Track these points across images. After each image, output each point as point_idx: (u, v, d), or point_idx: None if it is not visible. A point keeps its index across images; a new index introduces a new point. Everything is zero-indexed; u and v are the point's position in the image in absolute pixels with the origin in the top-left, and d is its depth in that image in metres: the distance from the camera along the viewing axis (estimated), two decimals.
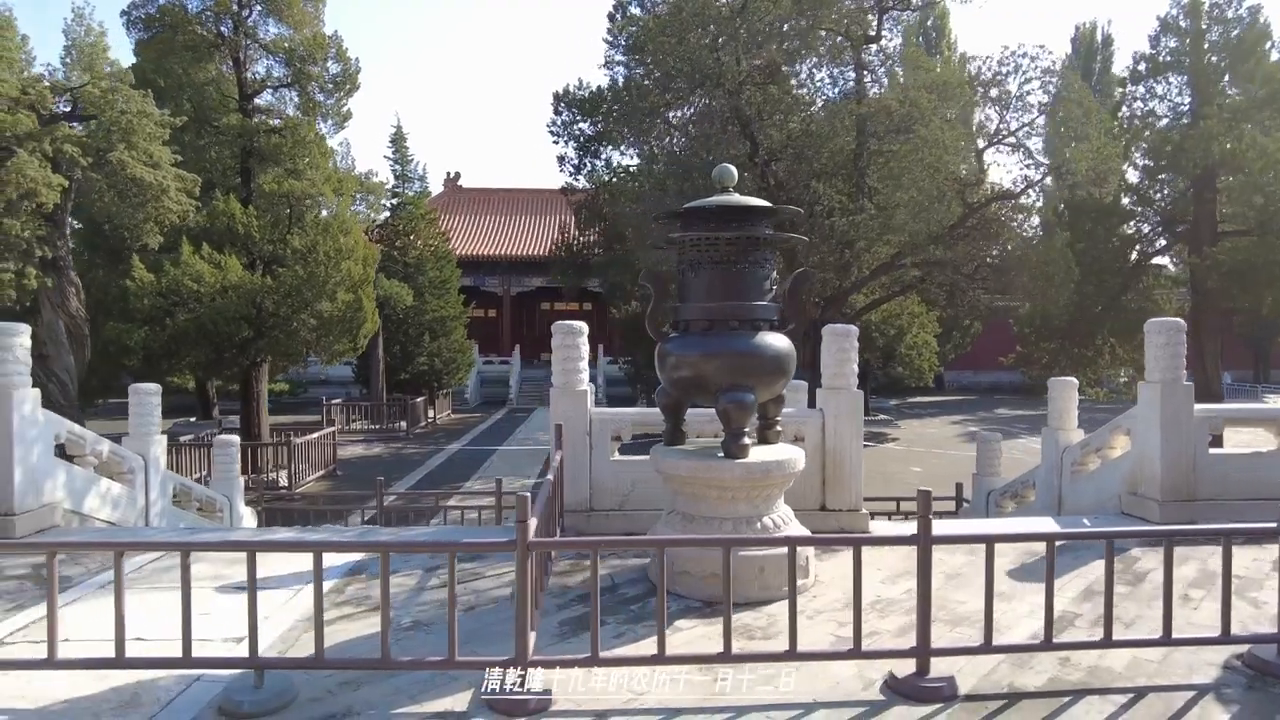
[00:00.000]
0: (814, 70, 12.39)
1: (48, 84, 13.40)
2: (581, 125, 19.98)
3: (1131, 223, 17.57)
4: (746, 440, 5.65)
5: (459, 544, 4.98)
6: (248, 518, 11.53)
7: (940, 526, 5.53)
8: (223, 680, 4.27)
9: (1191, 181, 16.18)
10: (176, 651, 4.51)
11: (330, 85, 18.24)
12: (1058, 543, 4.75)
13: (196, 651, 4.43)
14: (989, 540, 4.42)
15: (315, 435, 18.89)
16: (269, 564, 6.16)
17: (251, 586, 4.08)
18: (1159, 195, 17.08)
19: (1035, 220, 11.74)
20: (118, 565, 4.04)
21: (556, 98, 20.43)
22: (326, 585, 5.95)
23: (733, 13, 11.25)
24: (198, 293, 15.58)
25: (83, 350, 14.01)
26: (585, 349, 7.35)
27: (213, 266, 15.84)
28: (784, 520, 5.84)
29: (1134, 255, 17.77)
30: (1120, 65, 30.89)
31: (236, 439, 11.30)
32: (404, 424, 26.93)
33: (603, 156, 20.40)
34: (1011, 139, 11.77)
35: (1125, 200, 17.68)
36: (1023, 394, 38.29)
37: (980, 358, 34.87)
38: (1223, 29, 16.96)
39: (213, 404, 26.14)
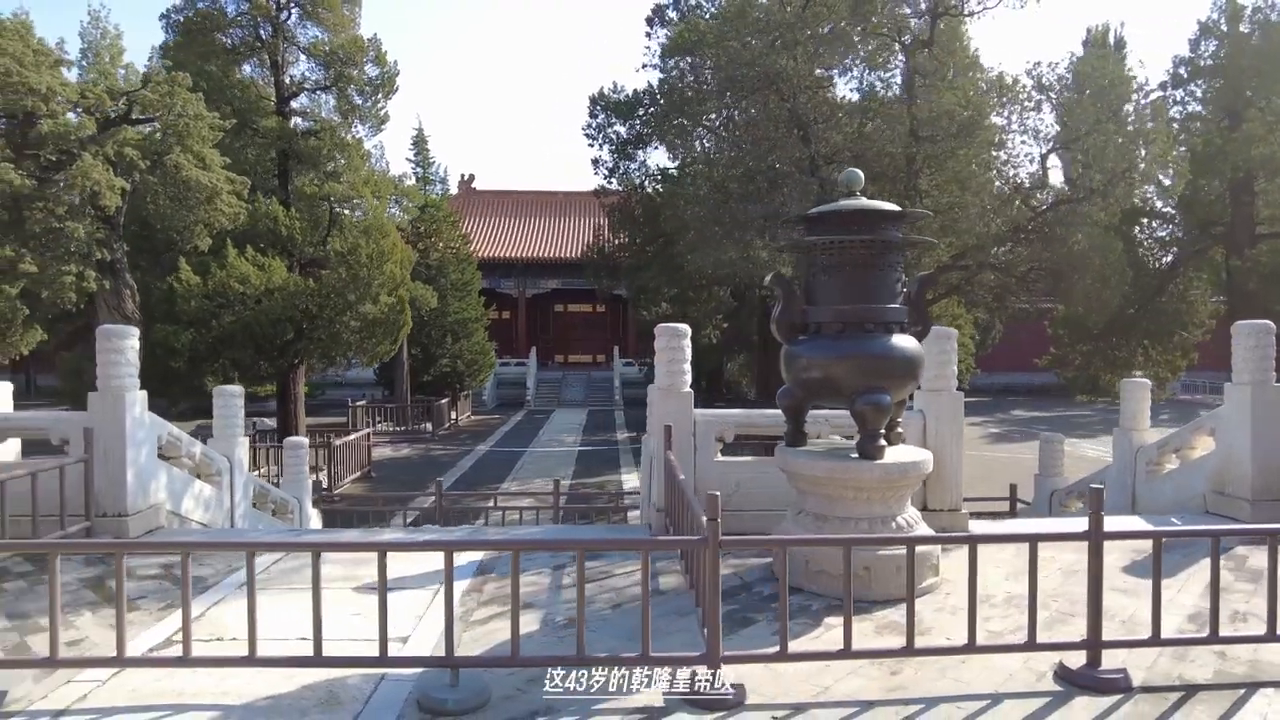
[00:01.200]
0: (866, 74, 12.55)
1: (104, 87, 13.41)
2: (619, 128, 20.07)
3: (1167, 225, 17.76)
4: (882, 441, 5.76)
5: (654, 541, 5.04)
6: (315, 519, 11.59)
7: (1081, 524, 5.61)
8: (407, 679, 4.35)
9: (1229, 184, 16.39)
10: (352, 650, 4.65)
11: (369, 88, 18.29)
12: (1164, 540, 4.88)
13: (361, 650, 4.54)
14: (1156, 536, 4.55)
15: (352, 437, 18.92)
16: (394, 565, 6.26)
17: (449, 583, 4.17)
18: (1196, 198, 17.27)
19: (1095, 224, 11.87)
20: (316, 565, 4.13)
21: (593, 100, 20.54)
22: (463, 584, 6.09)
23: (796, 17, 11.37)
24: (243, 295, 15.62)
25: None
26: (689, 351, 7.43)
27: (257, 269, 15.88)
28: (915, 519, 5.95)
29: (1168, 258, 17.95)
30: (1132, 66, 30.99)
31: (305, 440, 11.36)
32: (429, 425, 26.97)
33: (639, 159, 20.58)
34: (1075, 143, 11.91)
35: (1159, 203, 17.90)
36: (1036, 395, 38.52)
37: (994, 360, 35.06)
38: (1263, 33, 17.09)
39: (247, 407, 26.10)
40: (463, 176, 45.07)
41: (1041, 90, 11.68)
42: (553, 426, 29.79)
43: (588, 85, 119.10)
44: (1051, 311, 18.13)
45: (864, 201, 6.04)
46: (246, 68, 19.24)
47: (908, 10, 12.24)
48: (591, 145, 20.93)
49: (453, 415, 28.99)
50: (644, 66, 19.76)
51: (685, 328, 7.47)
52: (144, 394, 7.55)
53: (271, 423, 22.12)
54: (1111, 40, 36.05)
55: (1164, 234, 18.33)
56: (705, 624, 4.23)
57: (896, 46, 12.60)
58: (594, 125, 20.54)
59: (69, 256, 12.53)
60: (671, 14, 18.81)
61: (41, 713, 3.99)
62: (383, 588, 4.14)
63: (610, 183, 21.56)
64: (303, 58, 18.93)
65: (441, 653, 4.83)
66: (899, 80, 12.79)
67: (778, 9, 11.37)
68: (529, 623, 5.36)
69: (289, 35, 18.47)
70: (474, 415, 32.41)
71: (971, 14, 12.09)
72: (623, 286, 22.04)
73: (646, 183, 21.80)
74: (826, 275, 5.95)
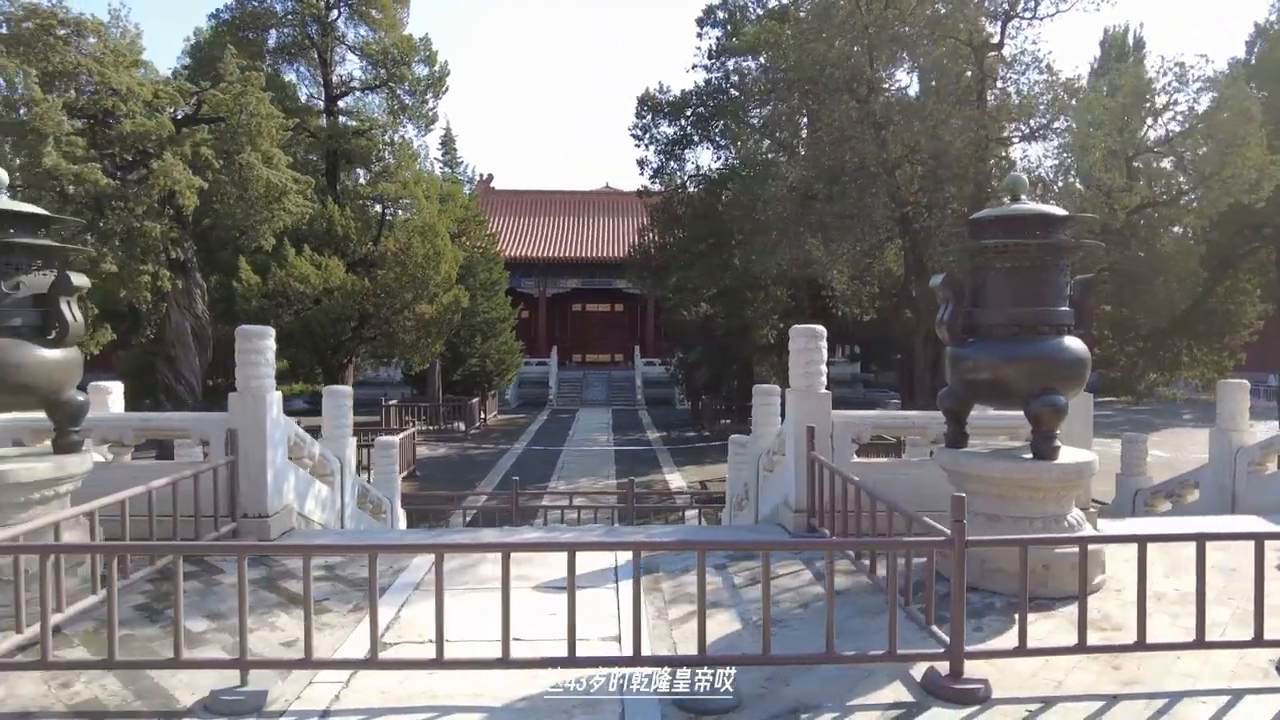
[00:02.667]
0: (937, 76, 12.61)
1: (175, 86, 13.40)
2: (667, 129, 20.13)
3: (1215, 230, 17.91)
4: (1058, 443, 5.84)
5: (898, 542, 5.06)
6: (402, 519, 11.63)
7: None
8: (645, 677, 4.40)
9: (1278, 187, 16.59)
10: (559, 651, 4.70)
11: (418, 87, 18.29)
12: None
13: (580, 650, 4.59)
14: None
15: (399, 436, 18.93)
16: (555, 564, 6.30)
17: (702, 581, 4.23)
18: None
19: (1179, 228, 11.99)
20: (571, 565, 4.18)
21: (640, 101, 20.56)
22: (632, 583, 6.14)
23: (878, 20, 11.47)
24: (303, 294, 15.60)
25: (205, 351, 14.03)
26: (825, 352, 7.50)
27: (315, 268, 15.87)
28: (1081, 518, 6.04)
29: (1217, 260, 18.12)
30: (1151, 67, 31.19)
31: (395, 440, 11.38)
32: (460, 425, 26.97)
33: (686, 160, 20.63)
34: (1163, 147, 12.04)
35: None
36: None
37: None
38: None
39: None
40: (481, 175, 45.02)
41: (1135, 95, 11.83)
42: (581, 426, 29.82)
43: (603, 85, 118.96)
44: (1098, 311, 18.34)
45: (1036, 205, 6.12)
46: (290, 72, 19.18)
47: (977, 11, 12.37)
48: (638, 146, 21.08)
49: (482, 415, 29.03)
50: (693, 67, 19.91)
51: (821, 329, 7.53)
52: (279, 394, 7.57)
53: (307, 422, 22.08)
54: (1130, 41, 36.31)
55: (1215, 236, 18.50)
56: (951, 621, 4.30)
57: (968, 50, 12.69)
58: (640, 126, 20.64)
59: (145, 256, 12.51)
60: (720, 14, 18.92)
61: (307, 713, 4.02)
62: (637, 588, 4.20)
63: (655, 183, 21.61)
64: (349, 57, 18.93)
65: (668, 651, 4.92)
66: (970, 82, 12.90)
67: (860, 12, 11.46)
68: (728, 622, 5.43)
69: (338, 35, 18.44)
70: (500, 415, 32.43)
71: (1045, 16, 12.25)
72: (662, 286, 22.13)
73: (689, 183, 21.87)
74: (998, 278, 6.02)
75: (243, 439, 7.08)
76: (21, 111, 11.49)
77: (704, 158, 20.59)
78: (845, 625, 5.22)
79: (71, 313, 5.98)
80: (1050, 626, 5.25)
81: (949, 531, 4.38)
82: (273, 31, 18.06)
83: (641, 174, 21.78)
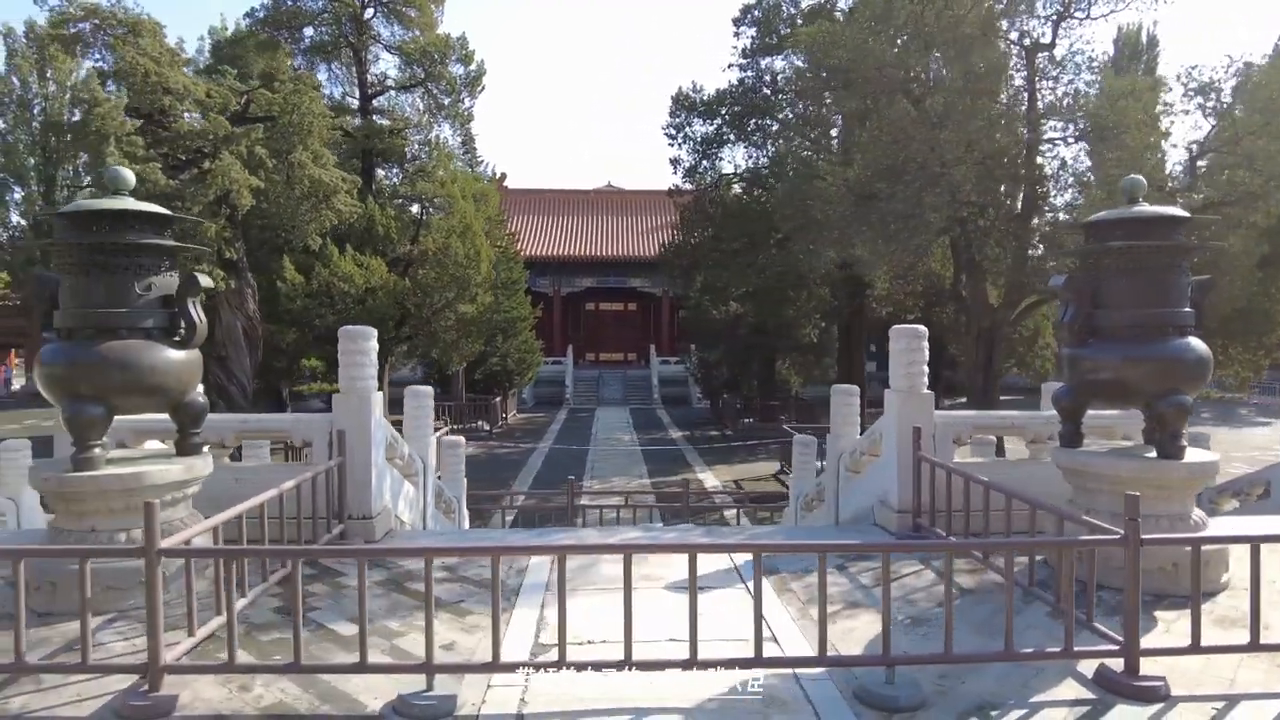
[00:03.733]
0: (989, 76, 12.66)
1: (226, 85, 13.35)
2: (703, 128, 20.13)
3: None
4: (1184, 441, 5.88)
5: (1075, 541, 5.07)
6: (466, 518, 11.63)
7: None
8: (819, 676, 4.42)
9: None
10: (731, 651, 4.71)
11: (455, 86, 18.24)
12: None
13: (714, 653, 4.59)
14: None
15: (435, 435, 18.89)
16: (674, 564, 6.31)
17: (887, 582, 4.25)
18: None
19: (1250, 227, 12.04)
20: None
21: (675, 100, 20.56)
22: (765, 583, 6.15)
23: (935, 17, 11.53)
24: (346, 294, 15.56)
25: (256, 351, 13.99)
26: (926, 352, 7.52)
27: (359, 268, 15.83)
28: (1203, 516, 6.08)
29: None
30: (1164, 67, 31.30)
31: (462, 440, 11.37)
32: (484, 424, 26.96)
33: (721, 158, 20.64)
34: (1232, 147, 12.06)
35: None
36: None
37: None
38: None
39: (285, 405, 26.04)
40: (493, 174, 44.97)
41: (1200, 93, 11.84)
42: (601, 425, 29.82)
43: (604, 85, 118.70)
44: None
45: (1159, 207, 6.16)
46: (322, 71, 19.10)
47: (1031, 13, 12.45)
48: (671, 144, 21.07)
49: (504, 414, 29.04)
50: (729, 66, 19.94)
51: (923, 329, 7.56)
52: (381, 394, 7.56)
53: None
54: (1144, 39, 36.53)
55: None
56: (1125, 619, 4.33)
57: (1017, 50, 12.75)
58: (674, 124, 20.64)
59: (200, 256, 12.45)
60: (757, 14, 18.93)
61: (503, 717, 4.02)
62: (823, 589, 4.22)
63: (687, 183, 21.62)
64: (383, 56, 18.88)
65: (810, 652, 4.94)
66: (1019, 82, 12.97)
67: (921, 13, 11.51)
68: (874, 621, 5.42)
69: (374, 34, 18.38)
70: (519, 413, 32.42)
71: (1099, 17, 12.29)
72: (691, 285, 22.15)
73: (721, 182, 21.90)
74: (1120, 280, 6.05)
75: (350, 440, 7.07)
76: (76, 112, 11.42)
77: (737, 156, 20.62)
78: (989, 623, 5.25)
79: (197, 313, 5.97)
80: (1188, 624, 5.29)
81: (1120, 530, 4.41)
82: (308, 30, 17.96)
83: (674, 173, 21.91)
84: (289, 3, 17.87)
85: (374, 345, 7.40)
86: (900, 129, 11.57)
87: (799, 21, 19.05)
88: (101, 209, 5.54)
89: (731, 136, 20.21)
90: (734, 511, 17.45)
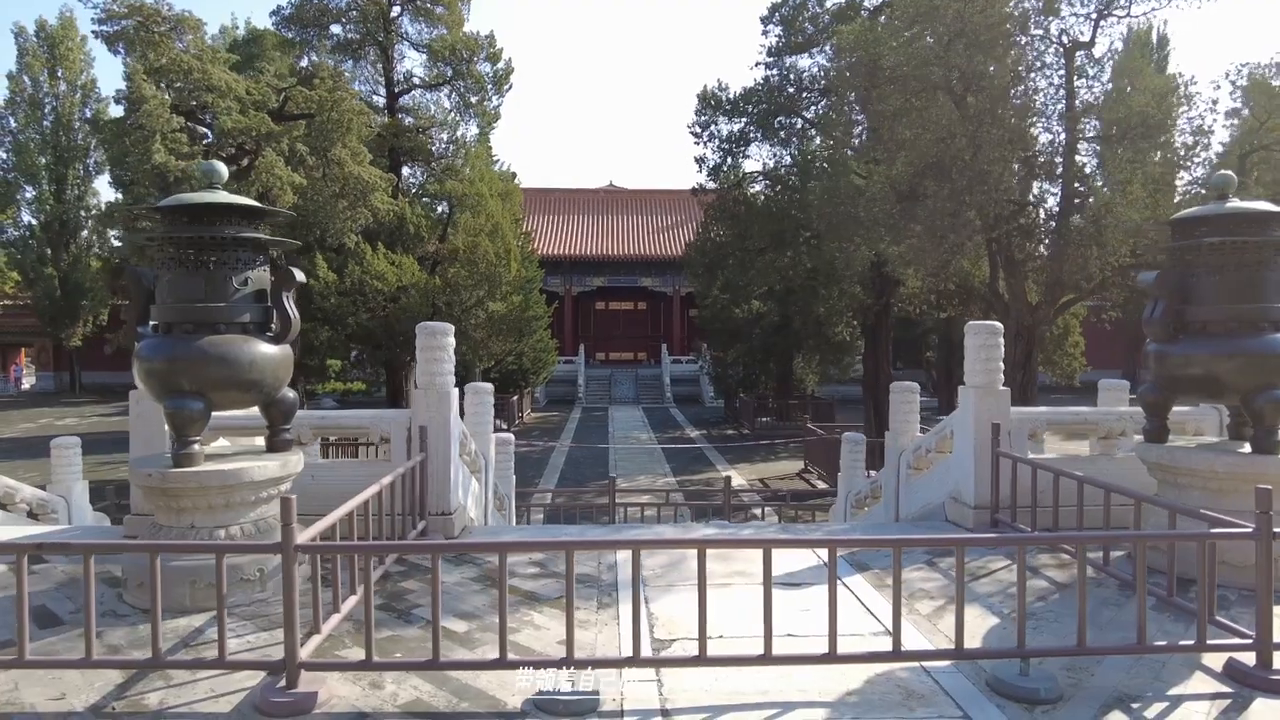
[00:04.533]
0: (1027, 76, 12.69)
1: (265, 82, 13.29)
2: (730, 126, 20.11)
3: None
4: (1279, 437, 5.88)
5: (1205, 534, 5.07)
6: (513, 515, 11.61)
7: None
8: (944, 670, 4.41)
9: None
10: (861, 646, 4.71)
11: (483, 84, 18.19)
12: None
13: (853, 647, 4.60)
14: None
15: None
16: (754, 559, 6.29)
17: (1022, 574, 4.24)
18: None
19: None
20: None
21: (701, 98, 20.54)
22: (854, 580, 6.15)
23: (978, 13, 11.57)
24: (379, 291, 15.51)
25: (295, 350, 13.91)
26: (1002, 349, 7.52)
27: (391, 266, 15.78)
28: None
29: None
30: (1175, 66, 31.39)
31: (511, 437, 11.35)
32: (502, 422, 26.91)
33: (748, 157, 20.65)
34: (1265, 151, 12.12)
35: None
36: (1073, 394, 39.16)
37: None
38: None
39: (303, 404, 26.01)
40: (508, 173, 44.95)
41: (1252, 91, 11.94)
42: (618, 424, 29.81)
43: (605, 84, 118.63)
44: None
45: (1252, 204, 6.16)
46: (346, 69, 19.01)
47: (1071, 11, 12.50)
48: (697, 143, 21.06)
49: (520, 413, 29.04)
50: (756, 65, 19.94)
51: (999, 325, 7.55)
52: (457, 391, 7.53)
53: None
54: (1155, 38, 36.63)
55: None
56: (1258, 616, 4.33)
57: (1056, 48, 12.79)
58: (700, 123, 20.62)
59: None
60: (785, 12, 18.93)
61: (649, 712, 4.00)
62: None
63: (712, 181, 21.61)
64: (410, 54, 18.83)
65: (926, 644, 4.93)
66: (1057, 80, 13.01)
67: (960, 10, 11.52)
68: (981, 616, 5.42)
69: (401, 32, 18.33)
70: (533, 412, 32.39)
71: (1140, 15, 12.33)
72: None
73: (745, 181, 21.89)
74: (1211, 276, 6.05)
75: (431, 436, 7.05)
76: (119, 107, 11.36)
77: (762, 154, 20.62)
78: (1096, 616, 5.24)
79: (292, 309, 5.94)
80: None
81: (1252, 525, 4.41)
82: (335, 28, 17.89)
83: (699, 171, 21.90)
84: (316, 0, 17.82)
85: (451, 341, 7.38)
86: (942, 127, 11.60)
87: (824, 20, 19.10)
88: (202, 203, 5.50)
89: (756, 135, 20.21)
90: (764, 510, 17.43)
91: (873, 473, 11.67)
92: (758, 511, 17.57)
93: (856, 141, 14.59)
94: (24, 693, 4.17)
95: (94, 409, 33.71)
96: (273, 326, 5.83)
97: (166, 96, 11.19)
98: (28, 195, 33.67)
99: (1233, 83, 12.28)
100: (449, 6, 17.61)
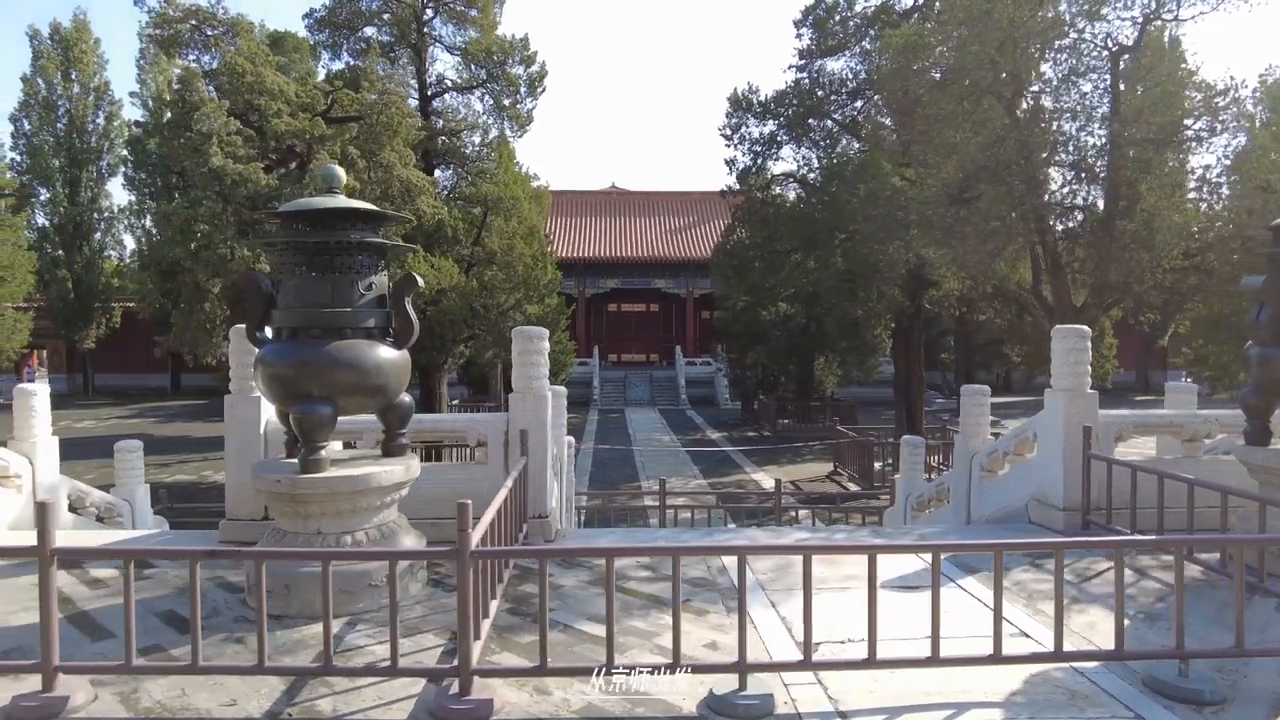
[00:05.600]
0: (1071, 79, 12.78)
1: (314, 85, 13.28)
2: (760, 128, 20.19)
3: None
4: None
5: None
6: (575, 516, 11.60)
7: None
8: (1098, 670, 4.44)
9: None
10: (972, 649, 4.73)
11: (517, 87, 18.18)
12: None
13: (1016, 648, 4.62)
14: None
15: None
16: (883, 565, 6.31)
17: (1180, 580, 4.27)
18: None
19: None
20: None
21: (732, 101, 20.60)
22: (968, 580, 6.18)
23: (1029, 16, 11.66)
24: (420, 293, 15.49)
25: None
26: (1090, 352, 7.56)
27: (431, 269, 15.76)
28: None
29: None
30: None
31: (572, 439, 11.35)
32: None
33: (785, 157, 20.74)
34: None
35: None
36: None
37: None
38: None
39: None
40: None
41: None
42: (637, 426, 29.81)
43: (608, 84, 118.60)
44: (1192, 311, 18.58)
45: None
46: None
47: (1115, 15, 12.59)
48: (728, 145, 21.14)
49: None
50: (789, 68, 20.07)
51: (1087, 329, 7.59)
52: (550, 391, 7.55)
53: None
54: (1166, 39, 36.87)
55: None
56: None
57: (1103, 52, 12.87)
58: (730, 125, 20.70)
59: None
60: (820, 14, 19.00)
61: (828, 714, 4.02)
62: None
63: (741, 184, 21.67)
64: (442, 57, 18.79)
65: (1096, 646, 4.97)
66: (1102, 85, 13.08)
67: (1011, 14, 11.61)
68: (1106, 617, 5.44)
69: (435, 35, 18.32)
70: None
71: (1187, 19, 12.43)
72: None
73: (773, 183, 21.97)
74: None
75: (531, 439, 7.06)
76: (135, 110, 11.35)
77: (796, 156, 20.70)
78: (1221, 617, 5.30)
79: (412, 313, 5.95)
80: None
81: None
82: (368, 30, 17.85)
83: (730, 173, 21.96)
84: (348, 2, 17.79)
85: (546, 345, 7.41)
86: (992, 131, 11.66)
87: (853, 24, 19.20)
88: (330, 208, 5.51)
89: (787, 138, 20.28)
90: (797, 512, 17.45)
91: (933, 475, 11.69)
92: (800, 515, 17.60)
93: (898, 144, 14.65)
94: (194, 698, 4.17)
95: (109, 411, 33.59)
96: (392, 331, 5.83)
97: (223, 101, 11.18)
98: (42, 197, 33.54)
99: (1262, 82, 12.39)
100: (483, 9, 17.61)
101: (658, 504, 16.09)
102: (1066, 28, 11.82)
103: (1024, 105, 12.65)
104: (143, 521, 10.57)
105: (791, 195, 21.72)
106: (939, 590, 4.30)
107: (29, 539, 8.37)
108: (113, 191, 36.60)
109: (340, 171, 5.86)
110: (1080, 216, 12.45)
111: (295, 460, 5.82)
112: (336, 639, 5.10)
